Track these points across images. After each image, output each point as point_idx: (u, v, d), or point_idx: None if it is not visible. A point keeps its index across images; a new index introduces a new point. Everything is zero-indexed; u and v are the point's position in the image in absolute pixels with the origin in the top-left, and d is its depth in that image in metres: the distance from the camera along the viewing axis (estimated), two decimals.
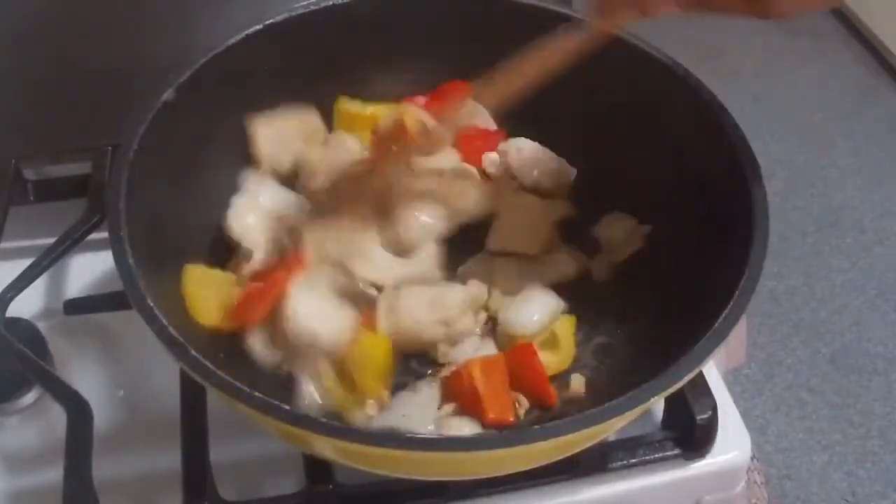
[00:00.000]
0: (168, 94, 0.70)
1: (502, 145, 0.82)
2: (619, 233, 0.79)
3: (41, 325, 0.77)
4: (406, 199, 0.75)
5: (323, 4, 0.79)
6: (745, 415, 0.73)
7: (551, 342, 0.72)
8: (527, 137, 0.83)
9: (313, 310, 0.66)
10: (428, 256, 0.75)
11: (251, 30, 0.76)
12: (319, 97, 0.82)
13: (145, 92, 0.70)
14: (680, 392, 0.66)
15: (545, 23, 0.72)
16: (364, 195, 0.75)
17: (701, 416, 0.68)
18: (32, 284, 0.75)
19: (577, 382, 0.70)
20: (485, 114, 0.80)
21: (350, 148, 0.79)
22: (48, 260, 0.75)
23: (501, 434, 0.62)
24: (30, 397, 0.74)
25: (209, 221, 0.75)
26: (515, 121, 0.81)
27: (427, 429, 0.66)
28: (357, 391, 0.66)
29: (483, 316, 0.74)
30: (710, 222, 0.71)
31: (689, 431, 0.69)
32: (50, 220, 0.80)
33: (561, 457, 0.61)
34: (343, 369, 0.67)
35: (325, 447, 0.56)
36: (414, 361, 0.72)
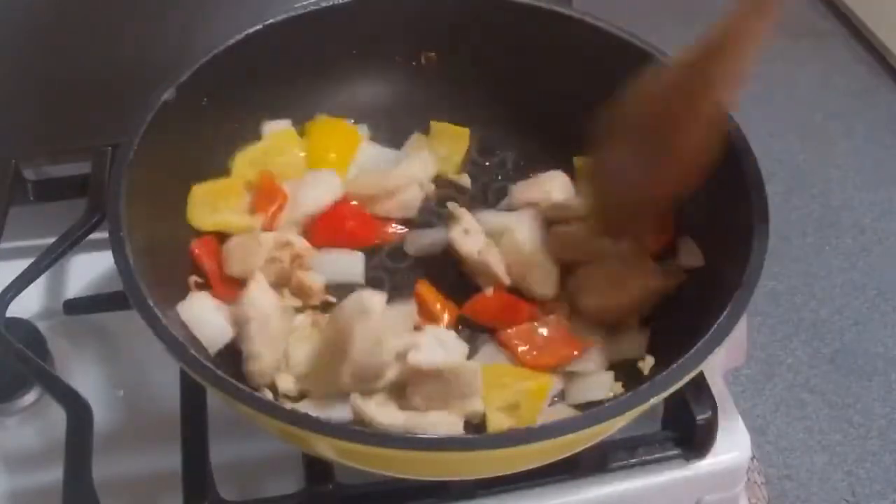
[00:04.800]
0: (168, 94, 0.70)
1: None
2: None
3: (41, 325, 0.77)
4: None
5: (323, 4, 0.79)
6: (745, 415, 0.73)
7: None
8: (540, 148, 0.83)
9: None
10: None
11: (251, 30, 0.76)
12: (319, 97, 0.82)
13: (145, 92, 0.70)
14: (680, 392, 0.66)
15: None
16: None
17: (701, 416, 0.68)
18: (32, 284, 0.75)
19: None
20: None
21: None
22: (48, 260, 0.75)
23: (501, 434, 0.62)
24: (30, 397, 0.74)
25: None
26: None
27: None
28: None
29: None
30: (710, 222, 0.71)
31: (689, 431, 0.69)
32: (50, 220, 0.80)
33: (561, 457, 0.61)
34: None
35: (325, 447, 0.56)
36: None
